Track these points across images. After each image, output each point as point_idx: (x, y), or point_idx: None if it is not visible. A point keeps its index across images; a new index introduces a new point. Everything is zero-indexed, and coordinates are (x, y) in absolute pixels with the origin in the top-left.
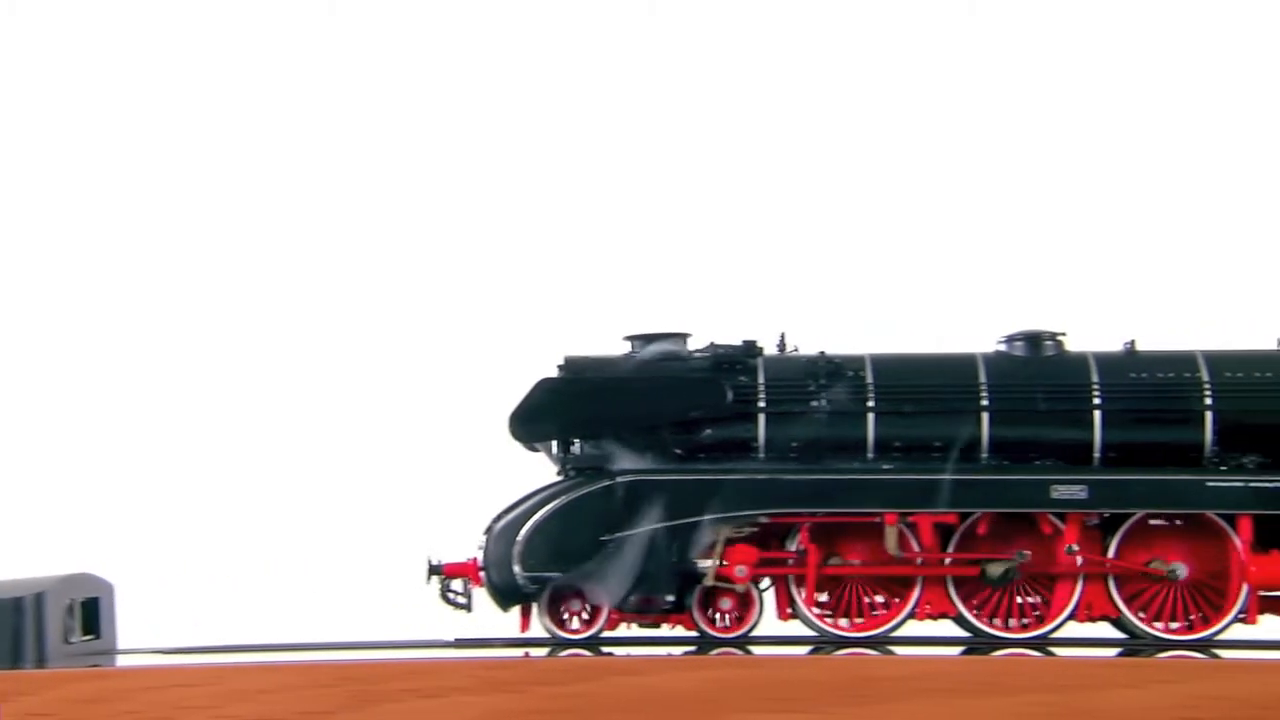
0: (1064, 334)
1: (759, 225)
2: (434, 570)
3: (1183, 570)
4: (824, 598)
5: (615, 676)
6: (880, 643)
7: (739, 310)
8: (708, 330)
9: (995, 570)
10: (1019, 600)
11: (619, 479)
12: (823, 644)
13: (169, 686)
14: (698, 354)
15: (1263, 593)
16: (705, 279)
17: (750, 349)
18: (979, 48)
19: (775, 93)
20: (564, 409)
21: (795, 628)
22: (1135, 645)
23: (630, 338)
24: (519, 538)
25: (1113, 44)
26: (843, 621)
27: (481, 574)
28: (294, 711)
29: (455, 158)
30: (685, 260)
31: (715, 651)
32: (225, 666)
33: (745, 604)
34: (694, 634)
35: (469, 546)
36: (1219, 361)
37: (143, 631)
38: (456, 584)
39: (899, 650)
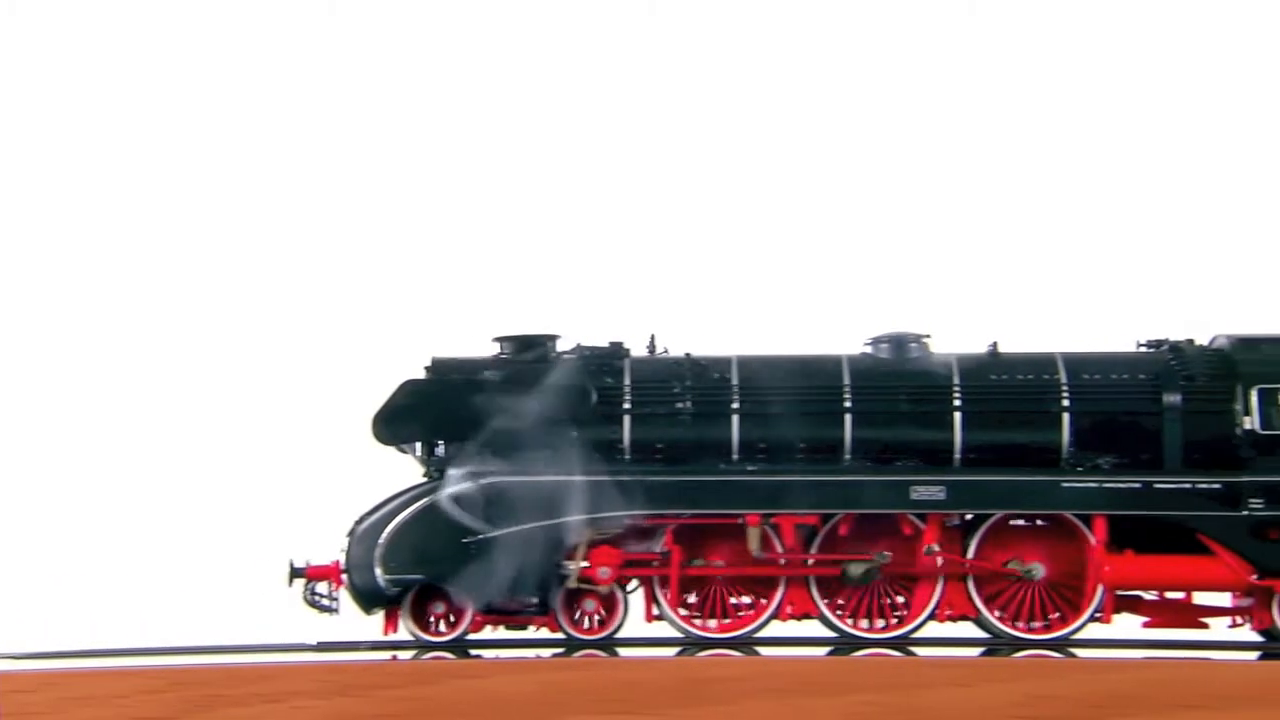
0: (929, 336)
1: (643, 228)
2: (296, 573)
3: (1040, 570)
4: (694, 598)
5: (456, 680)
6: (744, 644)
7: (630, 312)
8: (594, 331)
9: (855, 570)
10: (882, 601)
11: (481, 481)
12: (688, 645)
13: (7, 692)
14: (565, 356)
15: (1119, 592)
16: (590, 281)
17: (617, 351)
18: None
19: (668, 99)
20: (427, 410)
21: (662, 629)
22: (994, 644)
23: (499, 339)
24: (380, 540)
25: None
26: (711, 623)
27: (343, 577)
28: (136, 717)
29: (336, 159)
30: (570, 262)
31: (579, 653)
32: (68, 672)
33: (611, 605)
34: (559, 636)
35: (333, 549)
36: (1077, 364)
37: None
38: (322, 587)
39: (763, 651)
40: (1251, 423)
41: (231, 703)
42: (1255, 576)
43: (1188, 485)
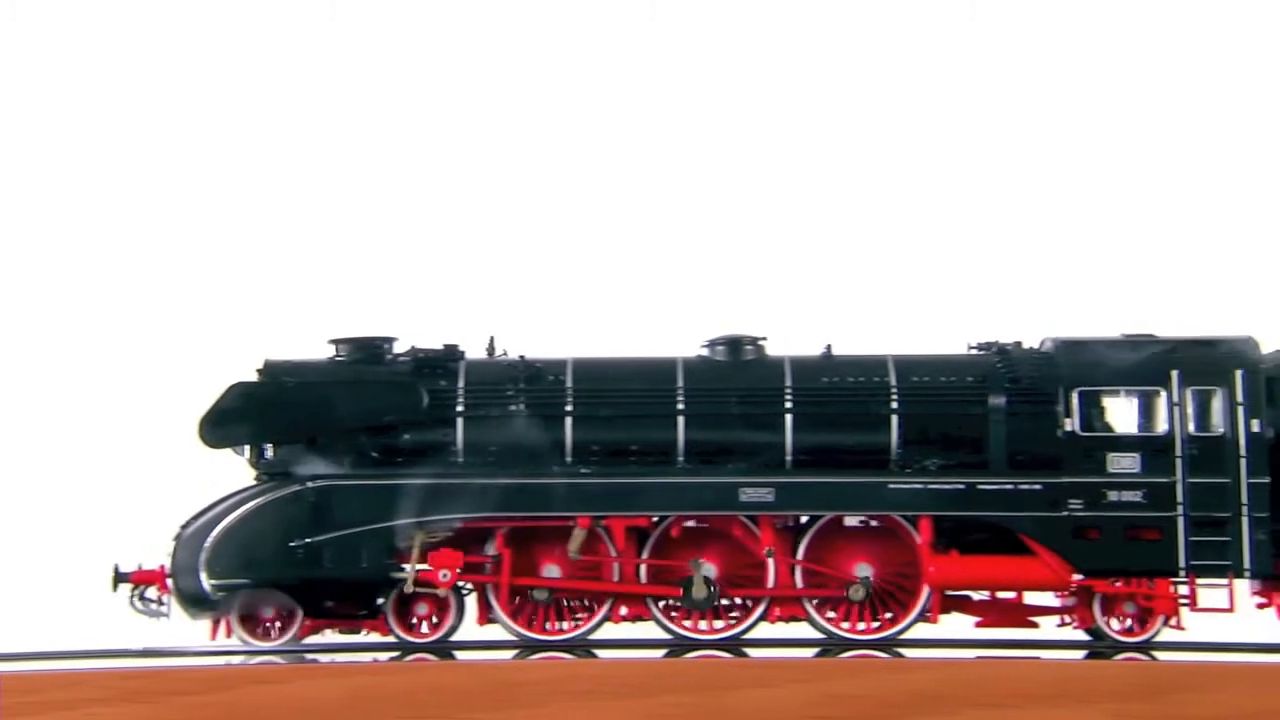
0: (765, 338)
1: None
2: (121, 578)
3: (867, 574)
4: (542, 597)
5: (254, 685)
6: (580, 646)
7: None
8: (459, 334)
9: (699, 594)
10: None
11: (309, 484)
12: (523, 648)
13: None
14: (399, 358)
15: (948, 592)
16: (455, 284)
17: (451, 353)
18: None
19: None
20: (257, 413)
21: (498, 631)
22: (826, 645)
23: (334, 341)
24: (206, 544)
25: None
26: (548, 625)
27: (169, 582)
28: None
29: (176, 160)
30: (406, 266)
31: (410, 656)
32: None
33: (443, 608)
34: (391, 639)
35: (161, 553)
36: (907, 366)
37: None
38: (151, 592)
39: (602, 654)
40: (1072, 425)
41: (18, 711)
42: (1076, 576)
43: (1009, 487)
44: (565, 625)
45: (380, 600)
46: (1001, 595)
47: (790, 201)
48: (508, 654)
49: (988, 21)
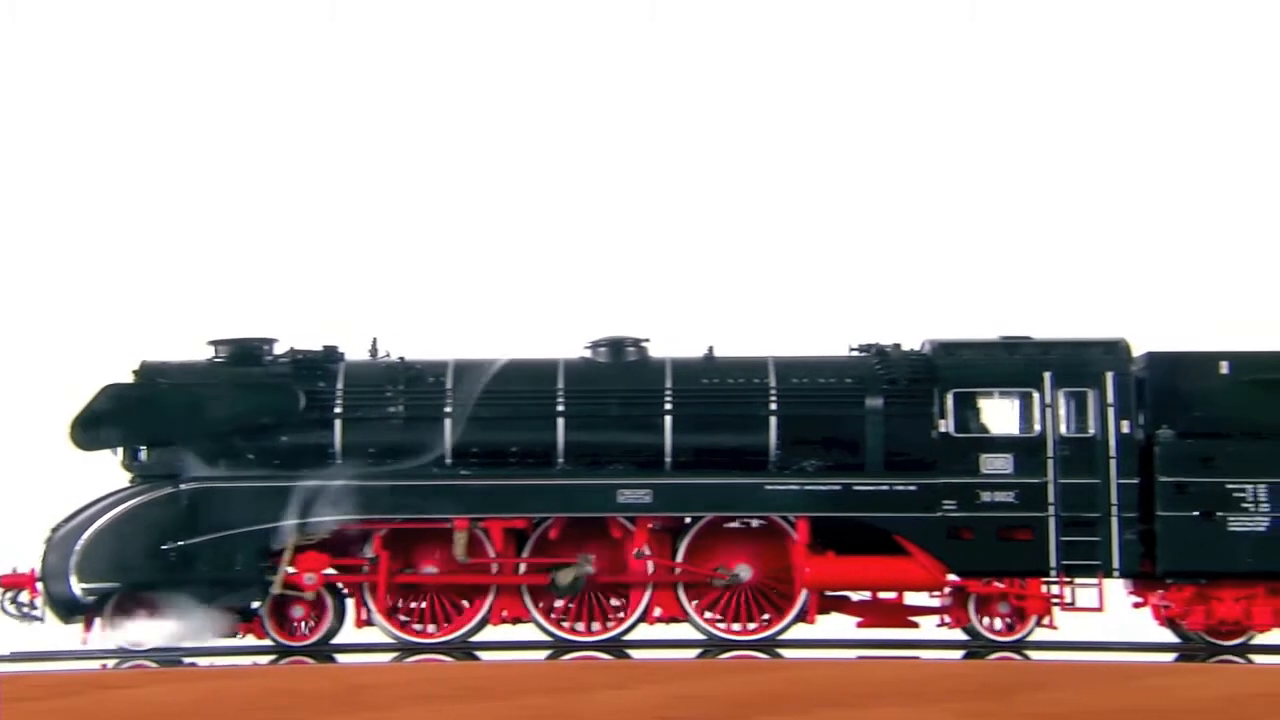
0: (648, 340)
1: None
2: None
3: (746, 572)
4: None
5: (102, 691)
6: (458, 648)
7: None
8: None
9: (564, 579)
10: (596, 604)
11: (183, 486)
12: (401, 650)
13: None
14: (278, 359)
15: (828, 592)
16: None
17: (330, 355)
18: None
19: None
20: (129, 415)
21: (377, 634)
22: (706, 646)
23: (213, 342)
24: (76, 548)
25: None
26: (430, 628)
27: (39, 585)
28: None
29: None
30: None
31: (286, 660)
32: None
33: (321, 611)
34: (268, 642)
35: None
36: (786, 368)
37: None
38: (24, 596)
39: (485, 655)
40: (947, 426)
41: None
42: (951, 576)
43: (885, 488)
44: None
45: (256, 604)
46: (883, 596)
47: (790, 202)
48: (373, 656)
49: (988, 21)
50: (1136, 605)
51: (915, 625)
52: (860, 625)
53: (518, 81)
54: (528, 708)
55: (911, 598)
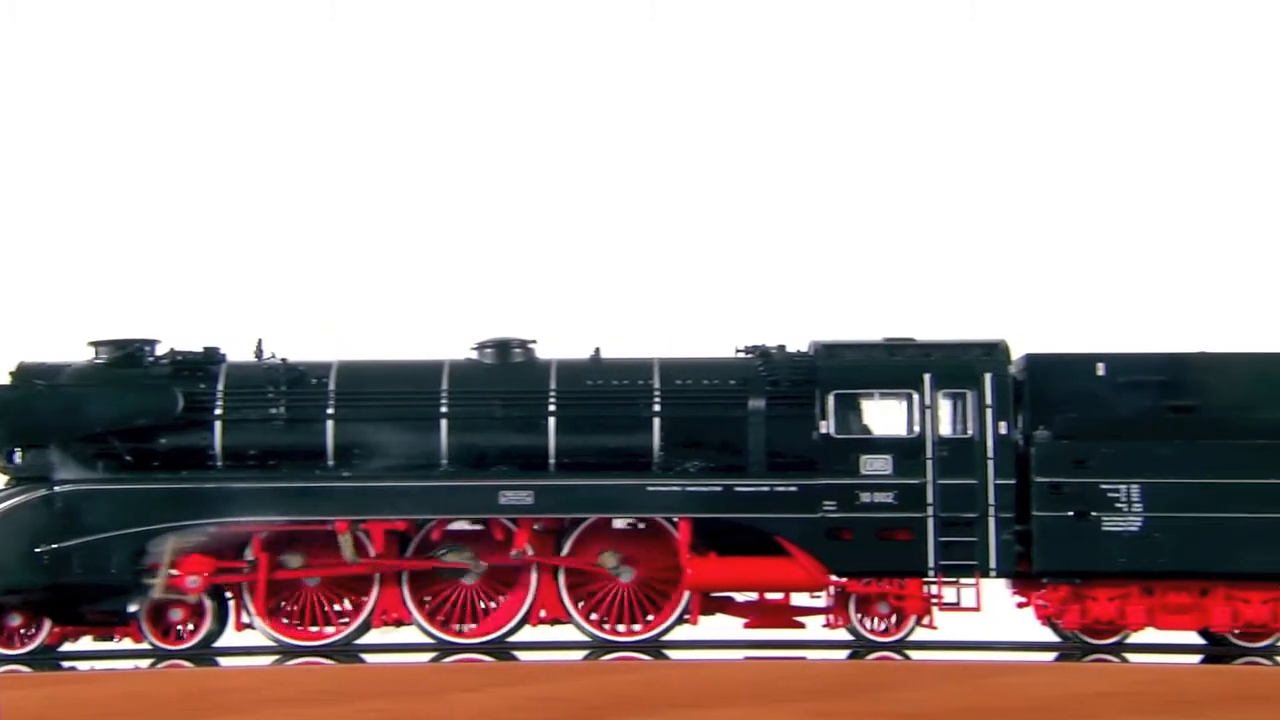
0: (534, 341)
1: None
2: None
3: (617, 560)
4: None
5: None
6: (342, 651)
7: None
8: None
9: (454, 558)
10: (477, 605)
11: (57, 489)
12: (283, 653)
13: None
14: (159, 360)
15: (713, 593)
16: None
17: (211, 356)
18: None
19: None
20: (4, 416)
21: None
22: (595, 646)
23: (94, 344)
24: None
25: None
26: (313, 630)
27: None
28: None
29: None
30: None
31: (163, 664)
32: None
33: (200, 615)
34: (145, 646)
35: None
36: (671, 369)
37: None
38: None
39: (368, 658)
40: (828, 427)
41: None
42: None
43: (766, 489)
44: (330, 630)
45: (133, 607)
46: (771, 597)
47: (789, 201)
48: (264, 660)
49: (988, 21)
50: (1020, 605)
51: (801, 626)
52: (747, 626)
53: (517, 82)
54: (383, 711)
55: (797, 598)
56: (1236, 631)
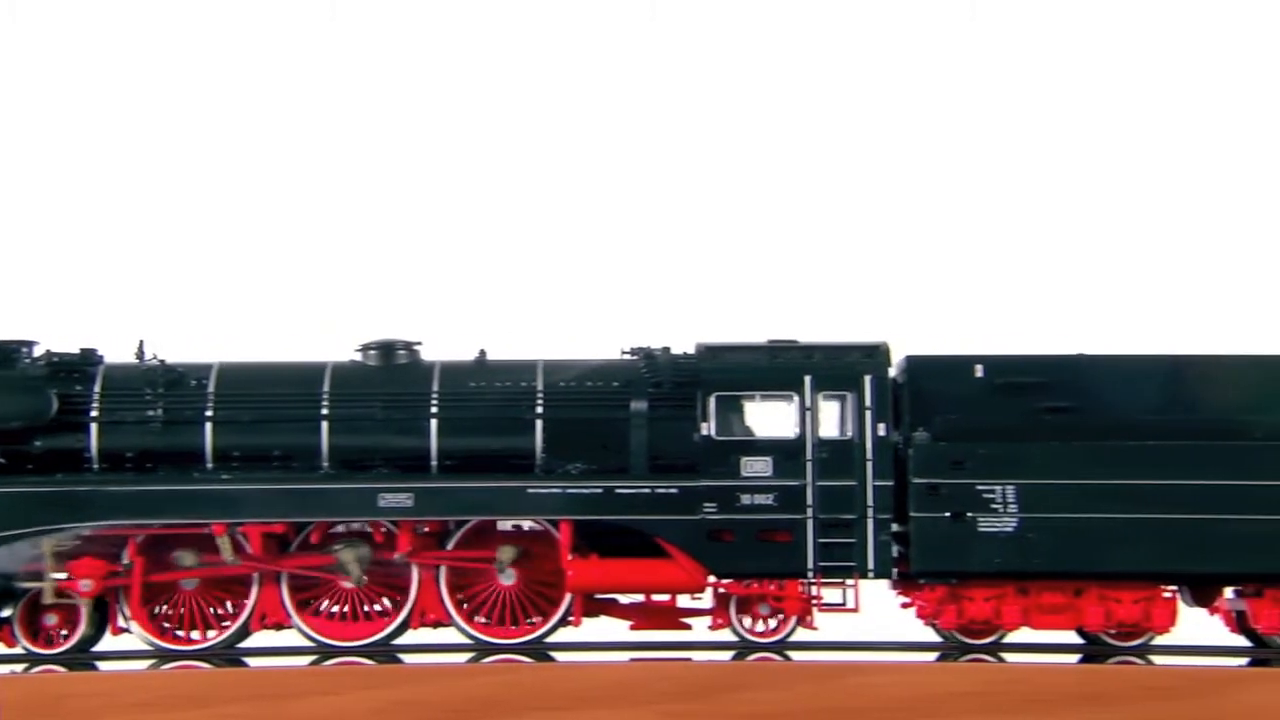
0: (419, 343)
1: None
2: None
3: (513, 554)
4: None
5: None
6: (224, 655)
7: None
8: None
9: (348, 556)
10: (362, 607)
11: None
12: (158, 658)
13: None
14: (35, 361)
15: (596, 595)
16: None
17: (88, 357)
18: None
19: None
20: None
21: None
22: (474, 650)
23: None
24: None
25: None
26: (194, 634)
27: None
28: None
29: None
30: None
31: (37, 669)
32: None
33: (74, 619)
34: (18, 650)
35: None
36: (554, 371)
37: None
38: None
39: (251, 661)
40: (708, 429)
41: None
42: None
43: (646, 491)
44: (211, 634)
45: (6, 612)
46: (657, 598)
47: (790, 202)
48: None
49: (987, 21)
50: (905, 605)
51: (687, 627)
52: (633, 628)
53: (516, 82)
54: (238, 715)
55: (682, 600)
56: (1111, 631)
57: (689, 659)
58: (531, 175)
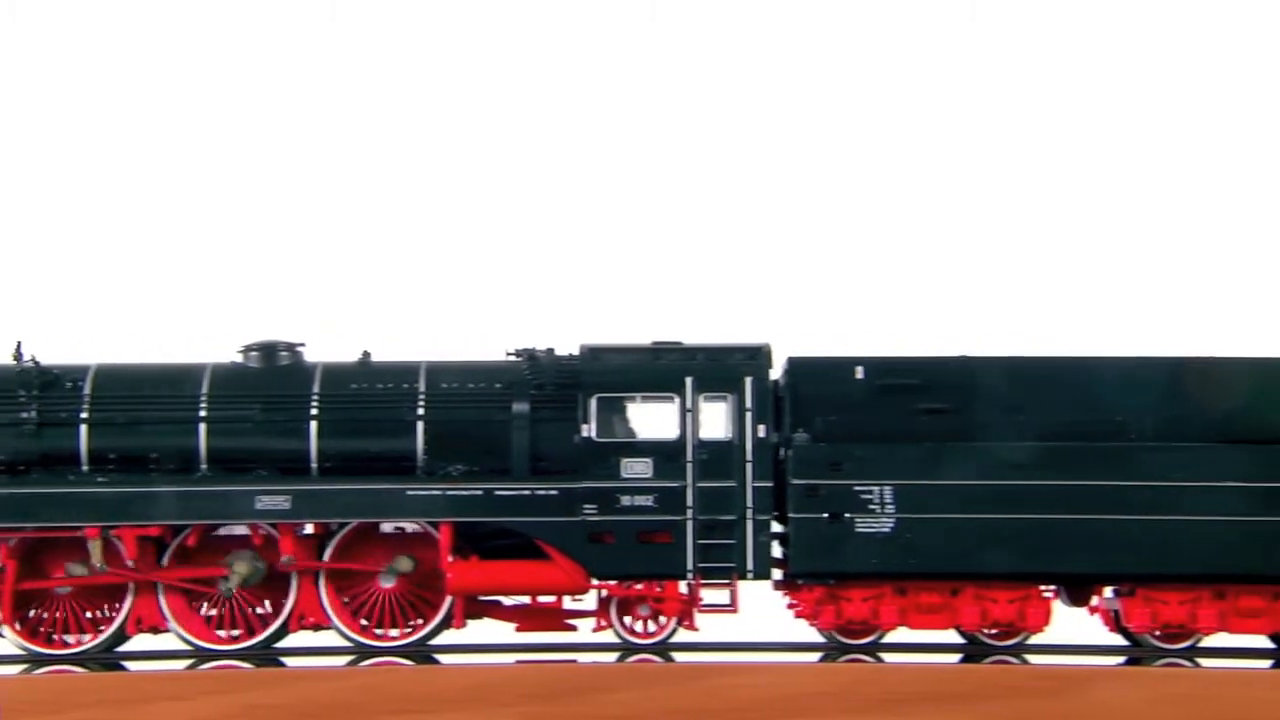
0: (303, 344)
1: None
2: None
3: (400, 570)
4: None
5: None
6: (94, 659)
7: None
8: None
9: (242, 569)
10: (246, 610)
11: None
12: (31, 663)
13: None
14: None
15: (479, 597)
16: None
17: None
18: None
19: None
20: None
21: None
22: (355, 652)
23: None
24: None
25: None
26: (70, 638)
27: None
28: None
29: None
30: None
31: None
32: None
33: None
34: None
35: None
36: (437, 372)
37: None
38: None
39: (130, 666)
40: (589, 430)
41: None
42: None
43: (526, 492)
44: (86, 638)
45: None
46: (543, 600)
47: (790, 202)
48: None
49: (987, 21)
50: (790, 607)
51: (572, 629)
52: (518, 630)
53: (516, 82)
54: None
55: (568, 601)
56: (988, 631)
57: (563, 661)
58: (530, 175)
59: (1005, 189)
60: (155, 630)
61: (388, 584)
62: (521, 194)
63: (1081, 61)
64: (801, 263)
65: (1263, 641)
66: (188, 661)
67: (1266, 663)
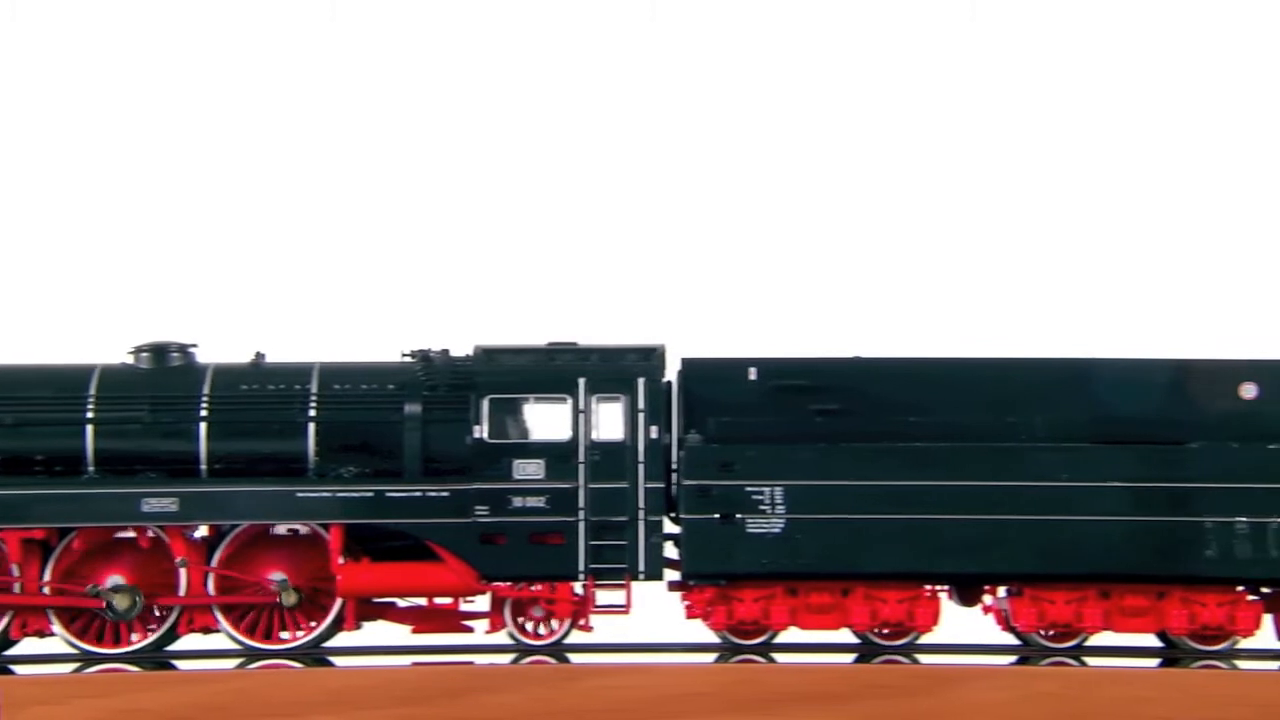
0: (195, 345)
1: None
2: None
3: (295, 598)
4: None
5: None
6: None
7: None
8: None
9: (121, 604)
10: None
11: None
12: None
13: None
14: None
15: (373, 599)
16: None
17: None
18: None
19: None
20: None
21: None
22: (245, 655)
23: None
24: None
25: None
26: None
27: None
28: None
29: None
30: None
31: None
32: None
33: None
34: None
35: None
36: (330, 374)
37: None
38: None
39: (17, 669)
40: (481, 432)
41: None
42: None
43: (418, 494)
44: None
45: None
46: (440, 601)
47: (791, 201)
48: None
49: (988, 21)
50: (685, 606)
51: (469, 630)
52: (414, 631)
53: (516, 82)
54: None
55: (464, 603)
56: (879, 630)
57: (440, 664)
58: (531, 175)
59: (1005, 189)
60: (41, 634)
61: (289, 602)
62: (519, 195)
63: (1081, 61)
64: (801, 263)
65: (1152, 640)
66: (72, 666)
67: (1154, 661)
